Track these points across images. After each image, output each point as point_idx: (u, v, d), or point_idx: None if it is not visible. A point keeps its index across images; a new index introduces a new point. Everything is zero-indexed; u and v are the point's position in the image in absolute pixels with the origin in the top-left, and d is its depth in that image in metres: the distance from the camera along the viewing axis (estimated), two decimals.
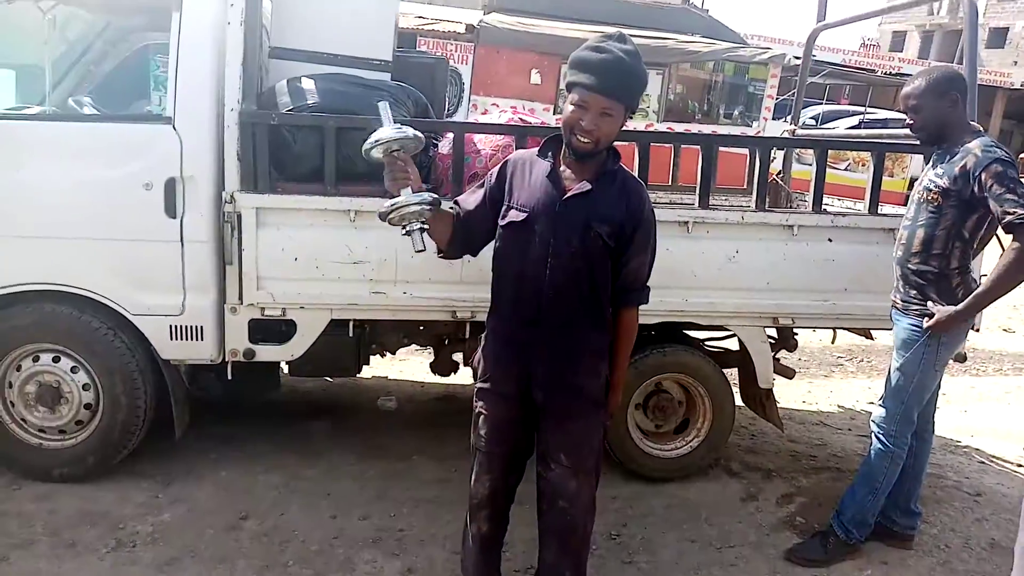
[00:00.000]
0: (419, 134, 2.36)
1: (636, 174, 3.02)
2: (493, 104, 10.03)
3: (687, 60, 11.60)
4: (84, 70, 4.05)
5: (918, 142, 3.23)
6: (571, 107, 2.27)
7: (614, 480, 3.68)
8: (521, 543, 3.07)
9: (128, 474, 3.52)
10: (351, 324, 3.52)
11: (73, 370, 3.34)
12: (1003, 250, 2.91)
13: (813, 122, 14.46)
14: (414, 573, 3.00)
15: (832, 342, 4.91)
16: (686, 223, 3.45)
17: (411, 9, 10.98)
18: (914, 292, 3.05)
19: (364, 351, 3.77)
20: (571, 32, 10.25)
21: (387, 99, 3.45)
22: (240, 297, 3.29)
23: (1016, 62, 28.88)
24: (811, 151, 3.89)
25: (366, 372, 4.09)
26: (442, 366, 4.02)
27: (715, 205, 3.62)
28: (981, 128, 3.07)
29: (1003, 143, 3.04)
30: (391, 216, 2.29)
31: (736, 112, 12.41)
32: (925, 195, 3.01)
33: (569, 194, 2.34)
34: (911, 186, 3.64)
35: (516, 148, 3.25)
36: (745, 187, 4.82)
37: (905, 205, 3.23)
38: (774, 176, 4.86)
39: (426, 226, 2.31)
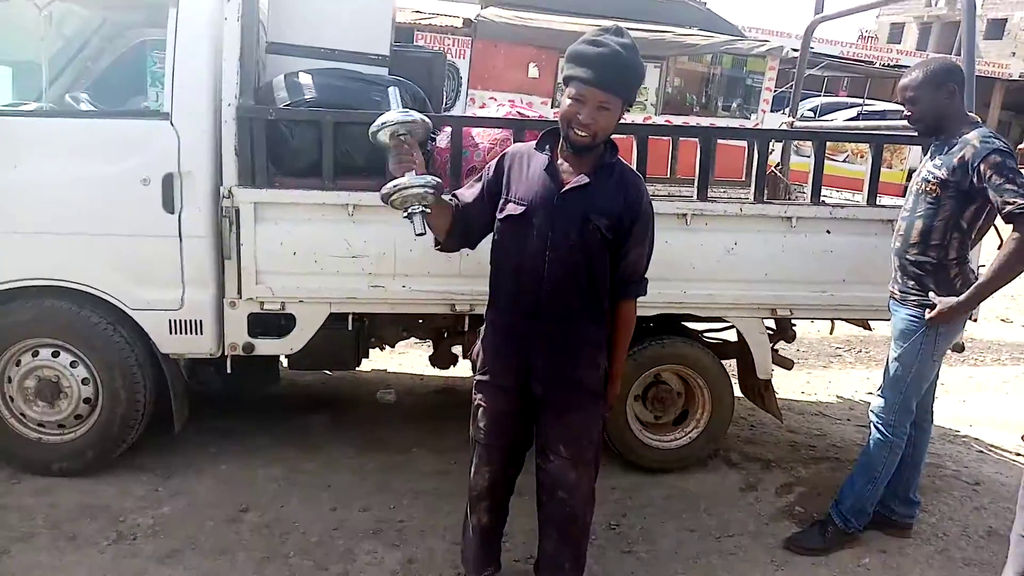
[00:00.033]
0: (426, 119, 2.36)
1: (634, 167, 3.03)
2: (491, 98, 10.02)
3: (685, 53, 11.58)
4: (81, 66, 4.05)
5: (916, 133, 3.24)
6: (568, 101, 2.27)
7: (613, 471, 3.69)
8: (521, 534, 3.08)
9: (128, 468, 3.53)
10: (350, 318, 3.53)
11: (72, 365, 3.35)
12: (1001, 240, 2.92)
13: (811, 114, 14.43)
14: (414, 564, 3.01)
15: (830, 333, 4.94)
16: (685, 215, 3.46)
17: (408, 3, 10.94)
18: (912, 283, 3.06)
19: (363, 344, 3.78)
20: (569, 26, 10.22)
21: (384, 94, 3.47)
22: (239, 291, 3.30)
23: (1014, 53, 28.85)
24: (809, 143, 3.90)
25: (365, 365, 4.10)
26: (441, 359, 4.03)
27: (713, 197, 3.63)
28: (979, 119, 3.07)
29: (1001, 134, 3.04)
30: (393, 197, 2.27)
31: (734, 105, 12.38)
32: (923, 186, 3.01)
33: (567, 187, 2.34)
34: (909, 177, 3.64)
35: (514, 142, 3.25)
36: (743, 179, 4.83)
37: (903, 196, 3.24)
38: (772, 168, 4.87)
39: (428, 210, 2.29)
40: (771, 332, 3.95)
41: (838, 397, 5.36)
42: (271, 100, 3.35)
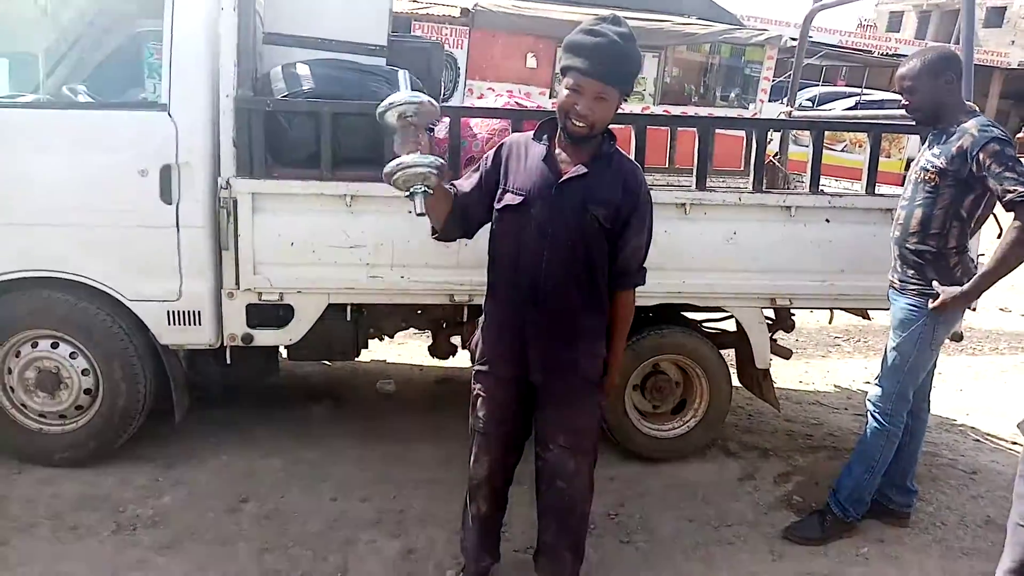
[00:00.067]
0: (434, 102, 2.34)
1: (633, 157, 3.03)
2: (489, 88, 10.00)
3: (683, 42, 11.55)
4: (78, 58, 4.03)
5: (914, 123, 3.24)
6: (566, 91, 2.27)
7: (612, 460, 3.70)
8: (520, 523, 3.09)
9: (129, 458, 3.53)
10: (349, 308, 3.53)
11: (72, 356, 3.35)
12: (1001, 229, 2.91)
13: (810, 103, 14.42)
14: (414, 553, 3.03)
15: (829, 322, 4.95)
16: (683, 205, 3.46)
17: None
18: (912, 272, 3.06)
19: (362, 335, 3.78)
20: (566, 15, 10.19)
21: (382, 84, 3.46)
22: (237, 282, 3.30)
23: (1014, 41, 28.76)
24: (808, 132, 3.89)
25: (365, 356, 4.10)
26: (440, 349, 4.03)
27: (712, 187, 3.62)
28: (977, 108, 3.07)
29: (1000, 123, 3.04)
30: (396, 176, 2.25)
31: (732, 94, 12.36)
32: (922, 175, 3.01)
33: (565, 177, 2.34)
34: (908, 166, 3.64)
35: (512, 132, 3.24)
36: (742, 169, 4.82)
37: (902, 185, 3.24)
38: (771, 158, 4.86)
39: (430, 191, 2.28)
40: (770, 322, 3.95)
41: (836, 386, 5.37)
42: (269, 91, 3.35)
